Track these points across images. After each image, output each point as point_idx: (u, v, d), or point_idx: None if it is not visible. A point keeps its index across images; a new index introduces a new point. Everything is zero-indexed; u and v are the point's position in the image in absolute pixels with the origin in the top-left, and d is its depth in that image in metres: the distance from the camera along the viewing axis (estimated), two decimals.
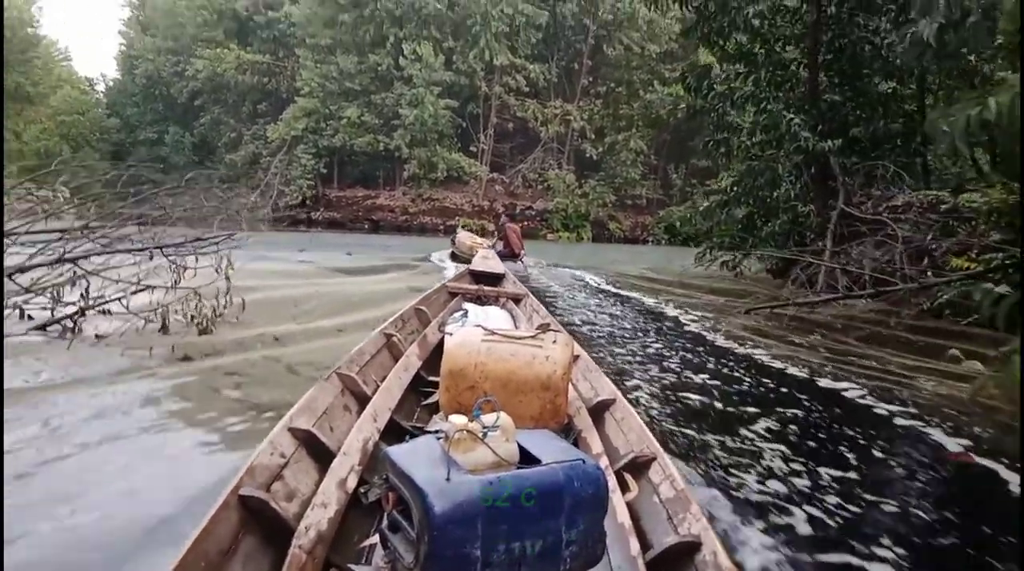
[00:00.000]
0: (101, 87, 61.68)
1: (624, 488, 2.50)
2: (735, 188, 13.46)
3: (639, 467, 2.64)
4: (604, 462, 2.69)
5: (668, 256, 25.58)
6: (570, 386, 3.24)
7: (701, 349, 6.49)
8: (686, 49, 40.14)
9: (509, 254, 16.04)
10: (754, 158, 13.09)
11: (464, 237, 18.69)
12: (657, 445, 2.67)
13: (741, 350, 6.43)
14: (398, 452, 1.91)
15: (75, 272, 4.47)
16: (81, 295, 4.59)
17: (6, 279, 4.13)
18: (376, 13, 38.64)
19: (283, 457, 2.43)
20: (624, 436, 2.95)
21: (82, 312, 4.63)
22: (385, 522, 1.88)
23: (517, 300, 6.52)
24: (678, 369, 5.57)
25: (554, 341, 3.17)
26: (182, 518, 2.54)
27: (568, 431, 3.15)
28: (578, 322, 7.76)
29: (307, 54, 39.97)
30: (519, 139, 42.66)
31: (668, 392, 4.73)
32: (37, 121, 54.35)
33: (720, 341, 6.89)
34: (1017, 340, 4.03)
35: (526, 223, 39.21)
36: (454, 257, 17.32)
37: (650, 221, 40.66)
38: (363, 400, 3.27)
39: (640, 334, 7.18)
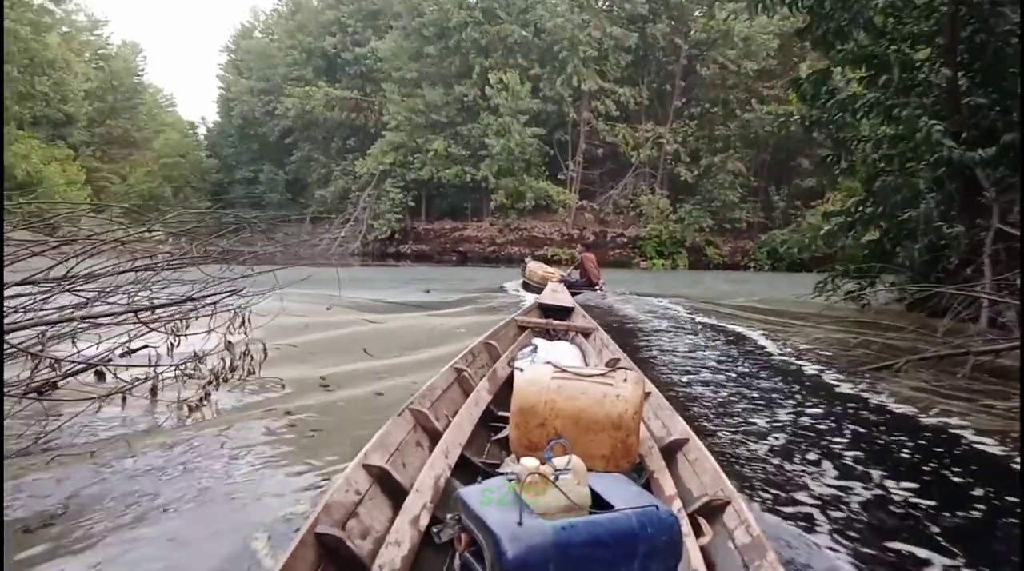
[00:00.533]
0: (203, 130, 64.40)
1: (698, 532, 2.38)
2: (861, 208, 11.79)
3: (713, 511, 2.50)
4: (677, 505, 2.62)
5: (774, 283, 23.58)
6: (642, 425, 3.14)
7: (878, 422, 4.81)
8: (784, 65, 38.26)
9: (586, 283, 15.92)
10: (883, 172, 11.40)
11: (535, 266, 18.17)
12: (732, 488, 2.52)
13: (930, 420, 4.78)
14: (470, 493, 1.99)
15: (43, 333, 3.48)
16: (51, 364, 3.60)
17: None
18: (461, 44, 38.37)
19: (358, 494, 2.44)
20: (698, 478, 2.82)
21: (51, 384, 3.66)
22: (457, 562, 1.95)
23: (586, 334, 6.36)
24: (858, 467, 3.82)
25: (625, 379, 3.05)
26: None
27: (640, 471, 3.05)
28: (685, 381, 6.24)
29: (393, 88, 40.00)
30: (609, 165, 41.41)
31: (878, 526, 3.11)
32: (143, 165, 56.84)
33: (893, 405, 5.22)
34: None
35: (617, 251, 37.88)
36: (526, 287, 16.86)
37: (751, 246, 38.46)
38: (435, 436, 3.26)
39: (779, 396, 5.60)
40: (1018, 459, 3.96)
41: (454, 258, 39.07)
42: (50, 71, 39.93)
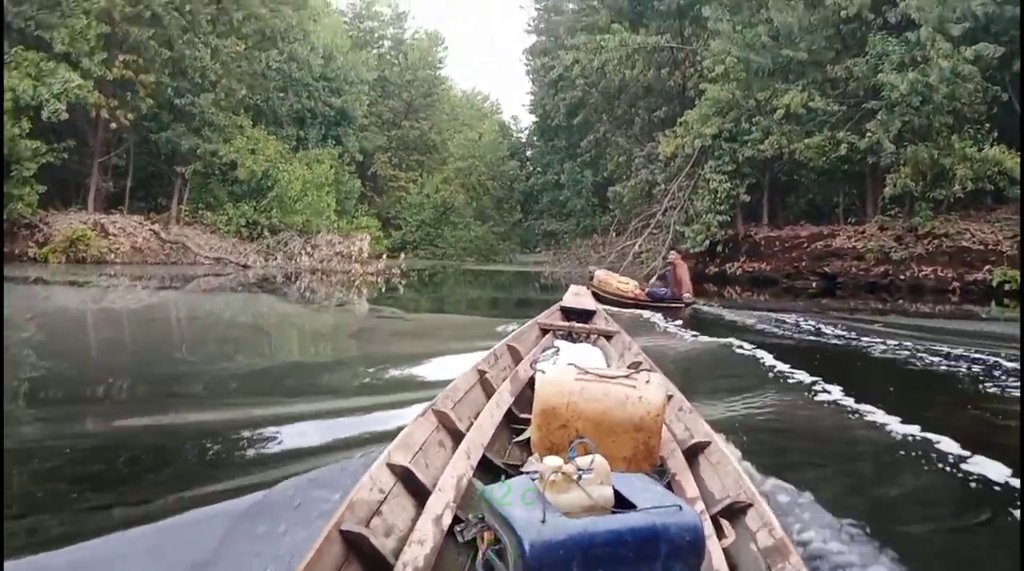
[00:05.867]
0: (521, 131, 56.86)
1: (720, 534, 2.40)
2: None
3: (735, 513, 2.53)
4: (699, 507, 2.62)
5: None
6: (664, 427, 3.17)
7: None
8: None
9: (671, 297, 13.84)
10: None
11: (604, 276, 15.07)
12: (754, 491, 2.57)
13: None
14: (494, 491, 2.03)
15: None
16: None
17: None
18: None
19: (382, 493, 2.48)
20: (720, 480, 2.86)
21: None
22: (480, 560, 2.01)
23: (609, 337, 6.38)
24: None
25: (647, 381, 3.11)
26: None
27: (662, 473, 3.05)
28: None
29: (720, 13, 25.28)
30: None
31: None
32: (440, 171, 49.75)
33: None
34: None
35: None
36: (596, 298, 11.07)
37: None
38: (457, 436, 3.31)
39: None
40: None
41: (813, 284, 23.33)
42: (282, 45, 32.17)
